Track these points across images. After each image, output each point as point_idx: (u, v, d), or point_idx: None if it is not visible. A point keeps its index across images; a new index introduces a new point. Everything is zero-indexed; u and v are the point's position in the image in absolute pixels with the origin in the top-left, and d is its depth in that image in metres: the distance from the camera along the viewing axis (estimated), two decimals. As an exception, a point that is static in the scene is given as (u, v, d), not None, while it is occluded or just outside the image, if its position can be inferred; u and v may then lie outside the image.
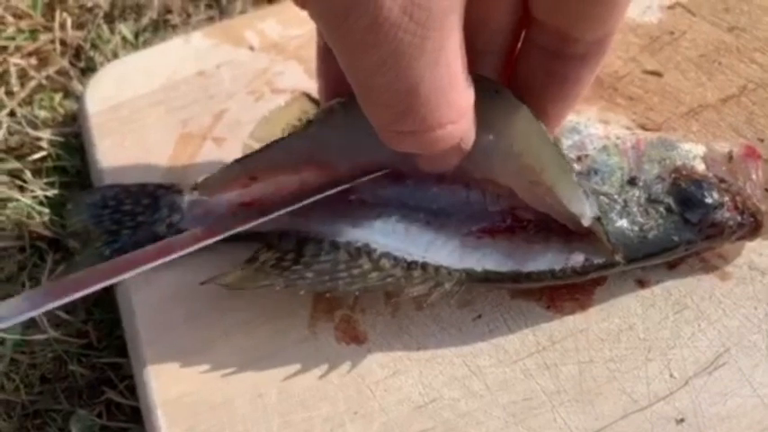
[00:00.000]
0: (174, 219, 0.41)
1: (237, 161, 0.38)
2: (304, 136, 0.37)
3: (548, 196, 0.35)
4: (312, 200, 0.38)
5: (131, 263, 0.35)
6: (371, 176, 0.38)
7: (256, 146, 0.43)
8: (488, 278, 0.37)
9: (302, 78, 0.48)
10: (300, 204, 0.37)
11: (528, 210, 0.37)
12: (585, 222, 0.34)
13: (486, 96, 0.31)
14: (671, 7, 0.47)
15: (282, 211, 0.37)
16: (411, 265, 0.37)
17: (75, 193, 0.46)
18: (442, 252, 0.37)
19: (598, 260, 0.36)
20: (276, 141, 0.37)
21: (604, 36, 0.31)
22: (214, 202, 0.41)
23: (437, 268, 0.37)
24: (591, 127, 0.39)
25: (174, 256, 0.36)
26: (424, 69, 0.27)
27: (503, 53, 0.33)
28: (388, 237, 0.38)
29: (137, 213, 0.42)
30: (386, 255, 0.37)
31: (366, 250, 0.38)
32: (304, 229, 0.39)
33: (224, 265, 0.40)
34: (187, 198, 0.42)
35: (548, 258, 0.36)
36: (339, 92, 0.35)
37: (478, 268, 0.37)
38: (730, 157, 0.37)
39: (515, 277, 0.36)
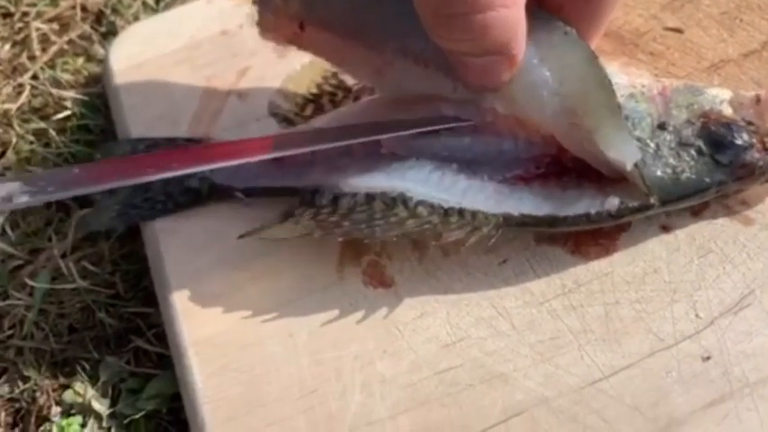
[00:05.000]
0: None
1: None
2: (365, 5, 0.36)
3: (585, 140, 0.35)
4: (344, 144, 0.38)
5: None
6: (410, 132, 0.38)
7: (283, 104, 0.44)
8: (525, 222, 0.37)
9: (325, 37, 0.49)
10: (332, 145, 0.37)
11: (561, 156, 0.38)
12: (629, 167, 0.35)
13: (548, 32, 0.32)
14: (692, -34, 0.48)
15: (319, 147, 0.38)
16: (448, 212, 0.37)
17: (104, 145, 0.46)
18: (479, 197, 0.37)
19: (633, 203, 0.36)
20: None
21: None
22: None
23: (474, 213, 0.37)
24: (615, 77, 0.39)
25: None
26: None
27: None
28: (423, 185, 0.38)
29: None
30: (422, 202, 0.37)
31: (402, 199, 0.38)
32: (337, 184, 0.39)
33: (252, 216, 0.40)
34: None
35: (583, 202, 0.37)
36: None
37: (515, 212, 0.37)
38: (758, 100, 0.37)
39: (552, 221, 0.37)
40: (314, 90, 0.45)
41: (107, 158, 0.44)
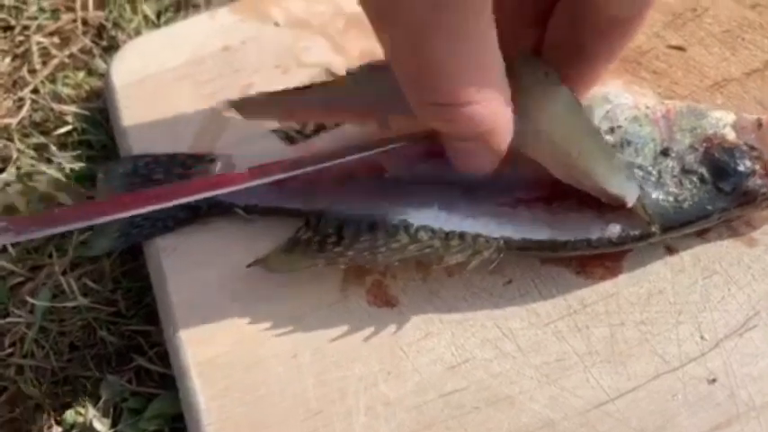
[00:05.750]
0: None
1: (275, 93, 0.39)
2: (343, 86, 0.37)
3: (584, 178, 0.35)
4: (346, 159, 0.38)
5: (175, 192, 0.35)
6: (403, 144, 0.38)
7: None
8: (526, 246, 0.37)
9: (328, 53, 0.49)
10: (337, 162, 0.37)
11: (562, 182, 0.38)
12: (629, 204, 0.35)
13: (529, 78, 0.32)
14: (694, -16, 0.48)
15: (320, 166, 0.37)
16: (449, 235, 0.37)
17: (106, 164, 0.46)
18: (479, 221, 0.37)
19: (634, 231, 0.36)
20: (314, 86, 0.38)
21: (630, 17, 0.31)
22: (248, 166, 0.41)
23: (475, 237, 0.37)
24: (621, 97, 0.39)
25: (220, 191, 0.36)
26: (443, 48, 0.27)
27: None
28: (425, 212, 0.38)
29: (169, 182, 0.42)
30: (423, 227, 0.38)
31: (404, 225, 0.38)
32: (342, 210, 0.39)
33: (255, 233, 0.40)
34: (220, 165, 0.42)
35: (585, 227, 0.37)
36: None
37: (516, 236, 0.37)
38: (759, 125, 0.37)
39: (553, 246, 0.37)
40: None
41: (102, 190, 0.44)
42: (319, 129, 0.44)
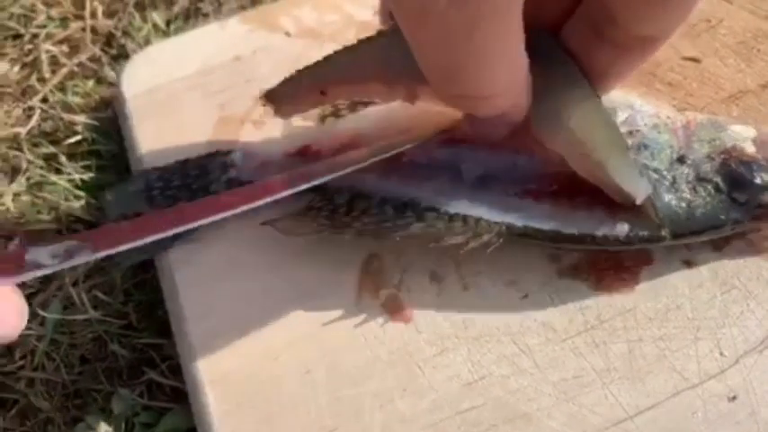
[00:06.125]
0: (231, 174, 0.42)
1: (307, 69, 0.39)
2: (373, 46, 0.36)
3: (597, 170, 0.35)
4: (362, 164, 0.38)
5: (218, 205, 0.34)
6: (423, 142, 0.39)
7: (302, 123, 0.44)
8: (527, 233, 0.37)
9: (340, 63, 0.48)
10: (356, 164, 0.37)
11: (575, 178, 0.37)
12: (638, 201, 0.34)
13: (551, 65, 0.32)
14: (708, -5, 0.48)
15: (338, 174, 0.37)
16: (453, 218, 0.37)
17: (115, 187, 0.45)
18: (484, 206, 0.38)
19: (643, 232, 0.36)
20: (344, 50, 0.37)
21: (648, 36, 0.30)
22: (267, 153, 0.42)
23: (477, 220, 0.37)
24: (643, 105, 0.39)
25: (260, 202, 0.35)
26: (469, 52, 0.27)
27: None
28: (436, 195, 0.38)
29: (189, 183, 0.42)
30: (430, 208, 0.38)
31: (411, 204, 0.38)
32: (357, 185, 0.40)
33: (269, 247, 0.40)
34: (239, 153, 0.43)
35: (591, 223, 0.36)
36: None
37: (518, 223, 0.37)
38: (779, 141, 0.37)
39: (554, 236, 0.37)
40: (331, 108, 0.45)
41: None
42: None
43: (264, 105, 0.41)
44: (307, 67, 0.39)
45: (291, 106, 0.41)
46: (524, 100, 0.33)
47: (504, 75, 0.30)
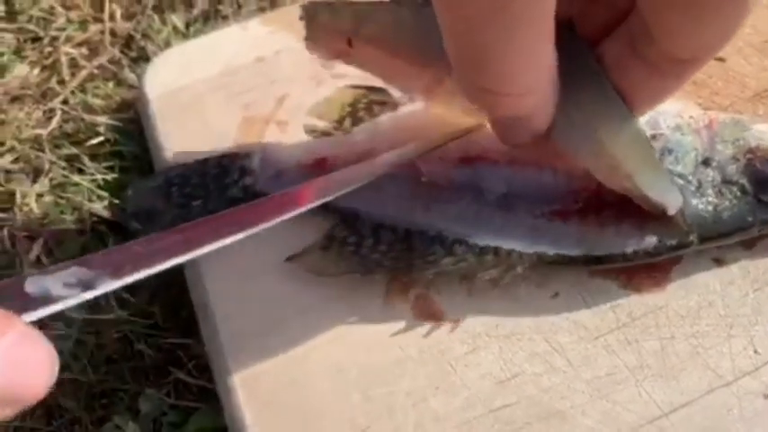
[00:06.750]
0: (248, 181, 0.42)
1: (348, 6, 0.38)
2: (410, 6, 0.36)
3: (626, 181, 0.34)
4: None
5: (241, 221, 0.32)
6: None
7: (318, 123, 0.44)
8: (560, 261, 0.37)
9: (362, 64, 0.48)
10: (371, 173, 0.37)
11: (601, 191, 0.37)
12: (671, 211, 0.34)
13: (581, 74, 0.32)
14: (732, -6, 0.48)
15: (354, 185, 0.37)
16: (483, 250, 0.37)
17: (136, 182, 0.45)
18: (514, 235, 0.37)
19: (671, 241, 0.36)
20: (386, 9, 0.37)
21: (681, 59, 0.30)
22: (284, 163, 0.42)
23: (509, 252, 0.37)
24: (665, 104, 0.39)
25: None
26: (498, 37, 0.27)
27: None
28: (460, 222, 0.38)
29: (206, 184, 0.42)
30: (458, 241, 0.38)
31: (439, 238, 0.38)
32: (378, 213, 0.39)
33: (294, 239, 0.40)
34: (257, 158, 0.42)
35: (620, 242, 0.36)
36: None
37: (551, 252, 0.37)
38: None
39: (587, 260, 0.37)
40: (348, 108, 0.45)
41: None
42: (356, 123, 0.44)
43: (301, 19, 0.40)
44: (350, 3, 0.38)
45: (319, 36, 0.39)
46: (549, 106, 0.32)
47: (528, 71, 0.29)
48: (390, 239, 0.39)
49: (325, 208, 0.38)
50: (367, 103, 0.45)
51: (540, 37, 0.28)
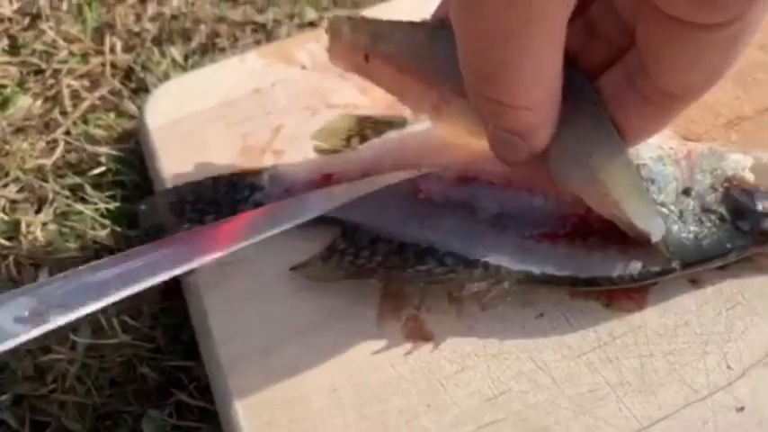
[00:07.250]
0: (258, 197, 0.44)
1: (369, 22, 0.40)
2: (424, 28, 0.38)
3: (614, 208, 0.36)
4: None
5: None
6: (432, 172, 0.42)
7: (324, 145, 0.46)
8: (546, 281, 0.39)
9: (355, 95, 0.51)
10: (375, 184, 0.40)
11: (588, 217, 0.39)
12: (654, 239, 0.36)
13: (578, 103, 0.34)
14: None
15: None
16: (472, 264, 0.39)
17: (148, 197, 0.47)
18: (503, 252, 0.39)
19: (655, 268, 0.38)
20: (404, 30, 0.39)
21: (673, 94, 0.32)
22: (292, 180, 0.44)
23: (497, 268, 0.39)
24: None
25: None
26: (513, 51, 0.29)
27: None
28: (452, 237, 0.40)
29: (218, 199, 0.44)
30: (449, 254, 0.40)
31: (431, 250, 0.40)
32: (377, 225, 0.42)
33: (296, 258, 0.42)
34: (267, 176, 0.45)
35: (606, 265, 0.38)
36: None
37: (537, 271, 0.39)
38: (775, 169, 0.39)
39: (573, 281, 0.39)
40: (356, 129, 0.47)
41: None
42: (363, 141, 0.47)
43: (326, 32, 0.42)
44: (370, 21, 0.41)
45: (340, 49, 0.42)
46: (550, 125, 0.34)
47: (538, 87, 0.31)
48: (386, 250, 0.41)
49: (326, 221, 0.41)
50: (374, 124, 0.47)
51: (553, 54, 0.30)
